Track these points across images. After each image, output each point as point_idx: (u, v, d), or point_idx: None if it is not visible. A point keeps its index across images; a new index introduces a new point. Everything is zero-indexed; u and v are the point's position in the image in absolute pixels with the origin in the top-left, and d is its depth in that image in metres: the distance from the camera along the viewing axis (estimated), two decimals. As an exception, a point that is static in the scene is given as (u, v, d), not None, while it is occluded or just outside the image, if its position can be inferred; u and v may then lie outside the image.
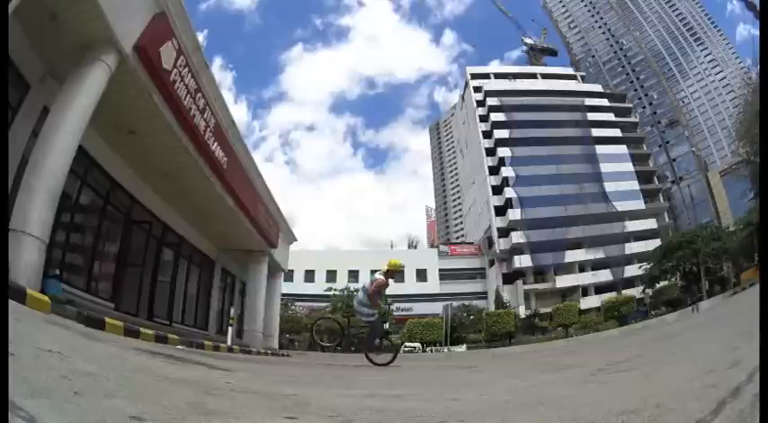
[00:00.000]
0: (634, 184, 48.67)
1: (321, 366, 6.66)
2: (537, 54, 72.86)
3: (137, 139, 8.60)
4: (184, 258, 13.60)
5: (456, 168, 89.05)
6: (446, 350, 23.92)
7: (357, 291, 7.36)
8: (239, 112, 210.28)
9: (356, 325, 7.48)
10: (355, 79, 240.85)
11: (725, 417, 1.27)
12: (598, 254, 44.59)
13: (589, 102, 53.96)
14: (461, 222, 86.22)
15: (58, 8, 5.82)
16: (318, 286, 41.78)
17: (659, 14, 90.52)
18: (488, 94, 53.70)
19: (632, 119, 56.76)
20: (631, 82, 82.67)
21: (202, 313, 15.00)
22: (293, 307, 35.35)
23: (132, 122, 8.14)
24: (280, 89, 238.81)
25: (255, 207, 13.87)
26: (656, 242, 36.11)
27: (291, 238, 20.85)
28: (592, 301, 37.31)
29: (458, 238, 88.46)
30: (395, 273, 6.95)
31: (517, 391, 2.80)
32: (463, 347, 24.73)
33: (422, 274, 47.96)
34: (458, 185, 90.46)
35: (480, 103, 53.98)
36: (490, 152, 50.77)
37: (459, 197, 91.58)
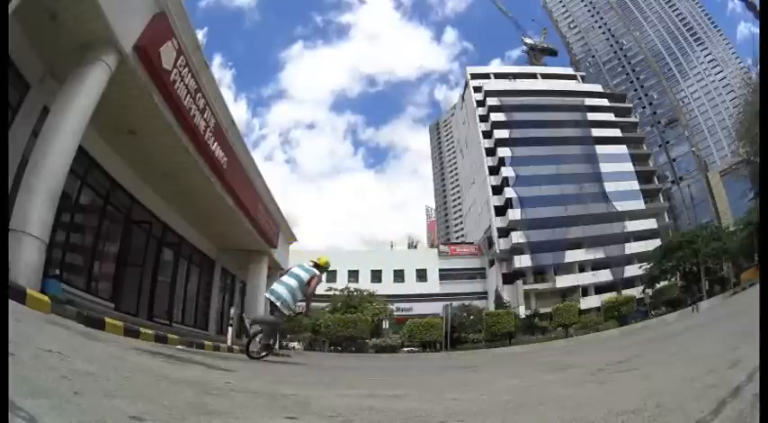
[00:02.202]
0: (634, 184, 48.63)
1: (321, 366, 6.66)
2: (537, 54, 72.81)
3: (137, 139, 8.60)
4: (184, 258, 13.60)
5: (456, 168, 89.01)
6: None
7: (285, 277, 6.32)
8: (239, 110, 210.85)
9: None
10: (356, 77, 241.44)
11: (725, 417, 1.27)
12: (598, 254, 44.55)
13: (589, 102, 53.91)
14: (461, 222, 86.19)
15: (58, 8, 5.82)
16: (318, 286, 41.67)
17: (659, 14, 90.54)
18: (488, 94, 53.64)
19: (632, 119, 56.70)
20: (631, 82, 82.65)
21: (202, 313, 15.01)
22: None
23: (132, 122, 8.14)
24: (280, 87, 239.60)
25: (255, 207, 13.87)
26: (656, 242, 36.06)
27: (291, 238, 20.85)
28: (592, 301, 37.24)
29: (458, 238, 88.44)
30: (324, 270, 6.54)
31: (517, 391, 2.80)
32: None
33: (422, 274, 47.95)
34: (458, 185, 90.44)
35: (480, 103, 53.93)
36: (490, 152, 50.72)
37: (459, 197, 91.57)
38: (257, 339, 6.16)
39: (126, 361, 2.96)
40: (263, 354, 6.10)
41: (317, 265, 6.43)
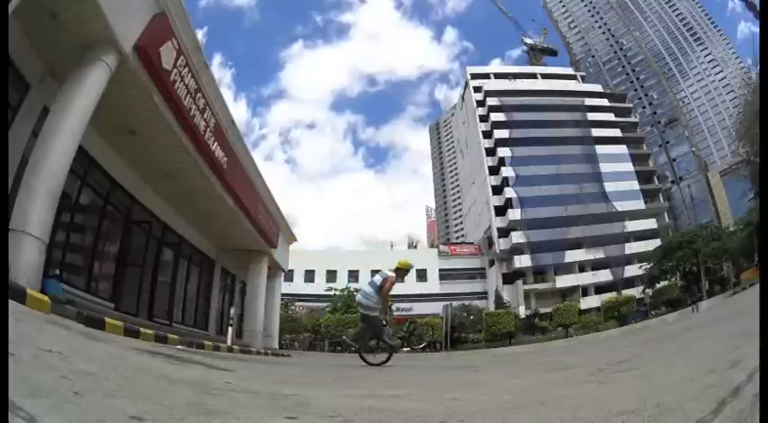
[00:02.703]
0: (634, 184, 48.63)
1: (321, 366, 6.66)
2: (537, 54, 72.81)
3: (137, 139, 8.60)
4: (184, 258, 13.59)
5: (456, 168, 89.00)
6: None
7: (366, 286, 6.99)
8: (239, 110, 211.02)
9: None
10: (356, 77, 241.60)
11: (725, 417, 1.27)
12: (598, 254, 44.55)
13: (589, 102, 53.91)
14: (461, 222, 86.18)
15: (58, 8, 5.82)
16: (318, 286, 41.76)
17: (659, 14, 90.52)
18: (488, 94, 53.65)
19: (632, 119, 56.72)
20: (631, 82, 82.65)
21: (202, 313, 15.00)
22: (293, 307, 35.32)
23: (132, 122, 8.14)
24: (280, 87, 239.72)
25: (255, 207, 13.87)
26: (656, 242, 36.07)
27: (291, 238, 20.85)
28: (592, 301, 37.24)
29: (458, 238, 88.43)
30: (405, 272, 6.96)
31: (517, 391, 2.80)
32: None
33: (422, 274, 47.90)
34: (458, 185, 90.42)
35: (480, 103, 53.93)
36: (490, 152, 50.73)
37: (459, 197, 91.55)
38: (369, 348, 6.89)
39: (126, 361, 2.96)
40: (382, 358, 6.66)
41: (397, 269, 6.87)
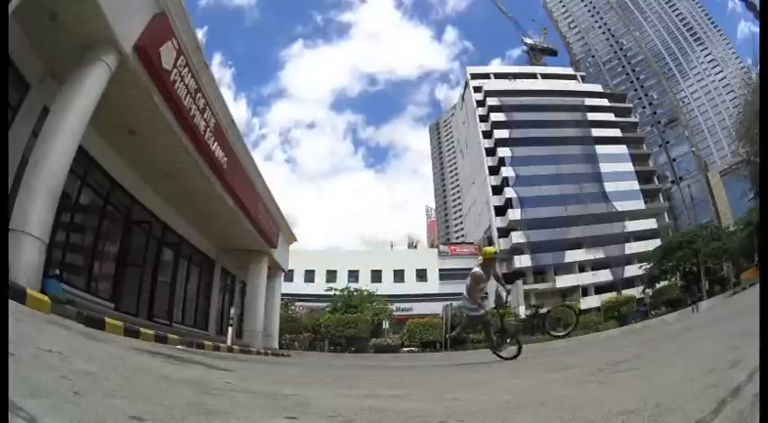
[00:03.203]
0: (634, 184, 48.66)
1: (321, 366, 6.67)
2: (537, 54, 72.81)
3: (137, 139, 8.60)
4: (184, 258, 13.59)
5: (456, 168, 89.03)
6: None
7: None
8: (239, 109, 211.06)
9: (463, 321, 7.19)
10: (356, 76, 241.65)
11: (725, 417, 1.27)
12: (598, 254, 44.57)
13: (589, 102, 53.93)
14: (461, 222, 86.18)
15: (58, 8, 5.82)
16: (318, 286, 41.74)
17: (659, 14, 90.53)
18: (488, 94, 53.67)
19: (632, 119, 56.75)
20: (631, 82, 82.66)
21: (202, 313, 15.00)
22: (293, 307, 35.33)
23: (132, 122, 8.14)
24: (280, 86, 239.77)
25: (255, 207, 13.87)
26: (656, 242, 36.09)
27: (291, 238, 20.85)
28: (592, 301, 37.29)
29: (458, 238, 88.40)
30: (491, 261, 6.75)
31: (517, 391, 2.80)
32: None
33: (422, 274, 47.93)
34: (458, 185, 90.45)
35: (480, 103, 53.95)
36: (490, 152, 50.75)
37: (459, 197, 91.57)
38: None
39: (126, 361, 2.96)
40: (513, 351, 6.39)
41: (483, 261, 6.72)
